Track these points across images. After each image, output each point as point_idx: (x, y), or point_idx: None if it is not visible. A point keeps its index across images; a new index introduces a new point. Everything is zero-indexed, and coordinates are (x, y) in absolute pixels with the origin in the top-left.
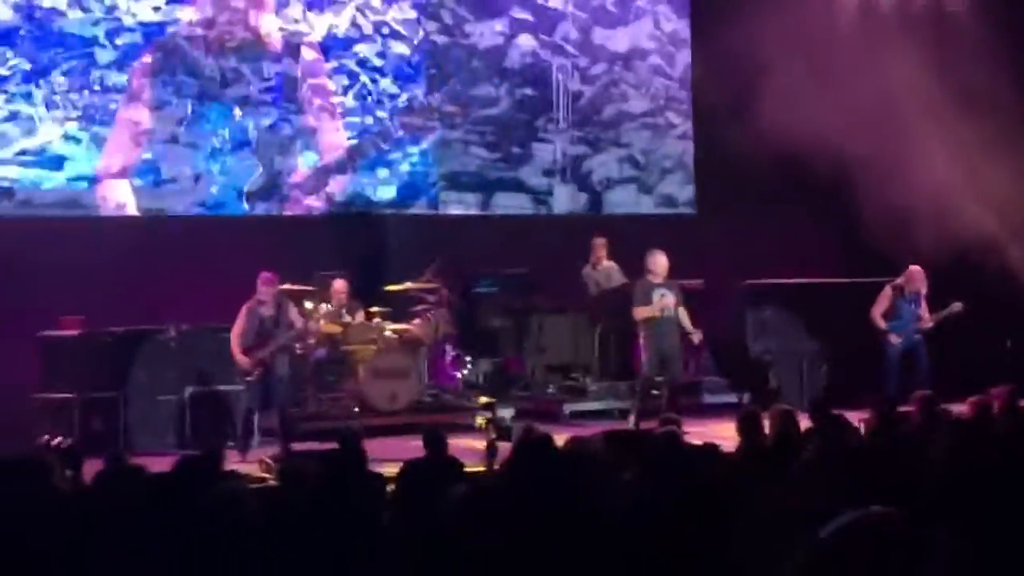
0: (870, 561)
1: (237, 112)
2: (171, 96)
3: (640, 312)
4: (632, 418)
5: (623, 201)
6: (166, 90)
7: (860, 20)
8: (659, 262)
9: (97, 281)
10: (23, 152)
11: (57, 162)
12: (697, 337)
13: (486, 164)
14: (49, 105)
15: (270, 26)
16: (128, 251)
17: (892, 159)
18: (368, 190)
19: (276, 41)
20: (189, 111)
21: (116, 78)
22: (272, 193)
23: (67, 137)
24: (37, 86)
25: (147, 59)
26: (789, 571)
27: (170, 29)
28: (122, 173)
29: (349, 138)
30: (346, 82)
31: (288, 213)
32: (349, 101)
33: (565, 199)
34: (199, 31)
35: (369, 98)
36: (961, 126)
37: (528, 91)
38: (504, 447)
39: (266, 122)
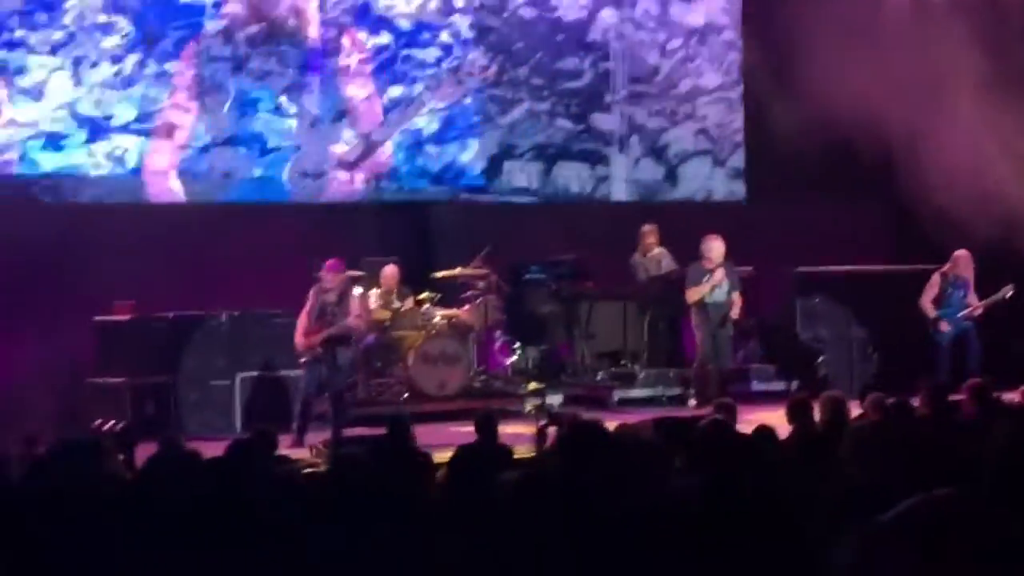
0: (931, 542)
1: (283, 98)
2: (215, 79)
3: (693, 294)
4: (692, 402)
5: (697, 174)
6: (210, 74)
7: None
8: (714, 247)
9: (149, 267)
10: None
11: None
12: (733, 315)
13: (570, 135)
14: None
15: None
16: (178, 237)
17: (942, 142)
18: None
19: (315, 19)
20: (232, 94)
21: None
22: (318, 175)
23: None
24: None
25: (191, 45)
26: (847, 555)
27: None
28: (169, 160)
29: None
30: (437, 54)
31: (332, 199)
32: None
33: (642, 171)
34: (239, 9)
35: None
36: (1012, 107)
37: (609, 64)
38: (552, 433)
39: (310, 103)
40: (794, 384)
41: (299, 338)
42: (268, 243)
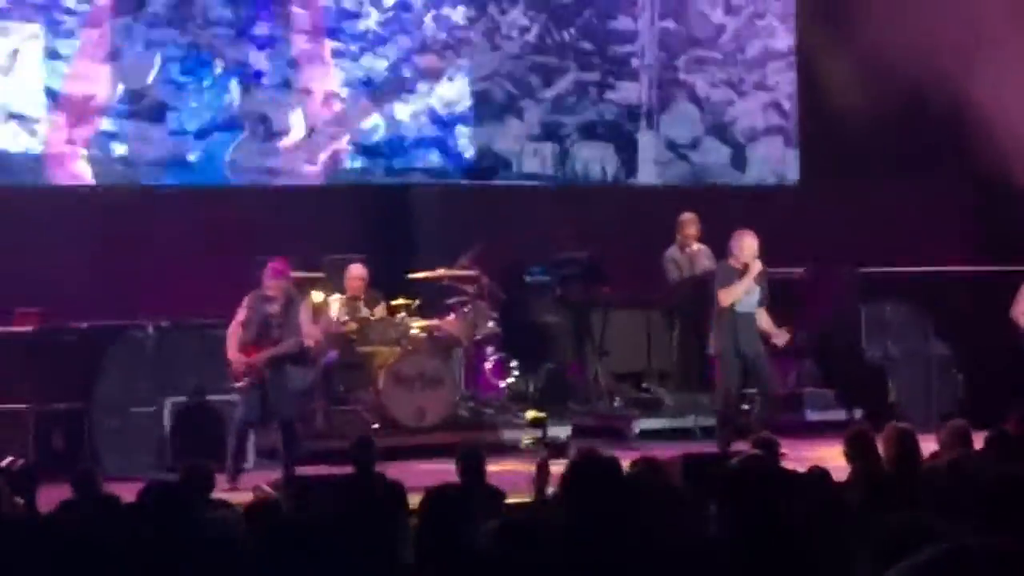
0: None
1: (218, 64)
2: (136, 46)
3: (726, 295)
4: (719, 439)
5: (769, 156)
6: (130, 39)
7: None
8: (746, 244)
9: (57, 266)
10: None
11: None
12: (782, 340)
13: (622, 112)
14: None
15: None
16: (92, 230)
17: None
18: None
19: None
20: (159, 64)
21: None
22: (265, 157)
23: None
24: None
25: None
26: None
27: None
28: (80, 136)
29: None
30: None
31: (285, 183)
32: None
33: (708, 154)
34: None
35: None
36: None
37: (670, 24)
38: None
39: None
40: (857, 413)
41: (234, 356)
42: (203, 238)
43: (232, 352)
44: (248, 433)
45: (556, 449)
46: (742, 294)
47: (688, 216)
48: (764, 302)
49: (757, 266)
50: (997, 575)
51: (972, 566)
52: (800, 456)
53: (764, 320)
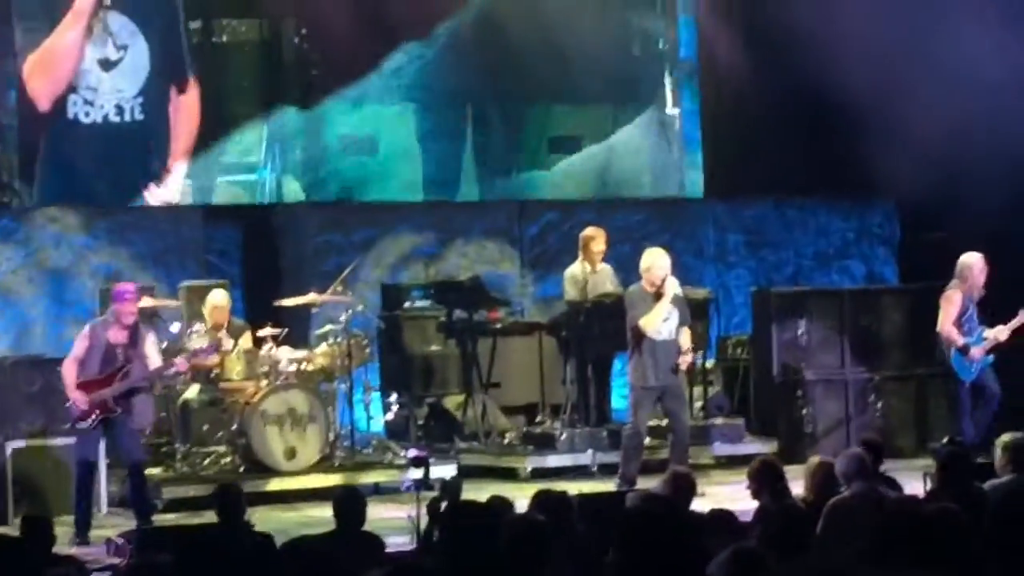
0: None
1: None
2: None
3: (648, 322)
4: (621, 476)
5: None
6: None
7: None
8: (659, 264)
9: None
10: None
11: None
12: (684, 361)
13: None
14: None
15: None
16: None
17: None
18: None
19: None
20: None
21: None
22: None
23: None
24: None
25: None
26: None
27: None
28: None
29: None
30: None
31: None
32: None
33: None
34: None
35: None
36: None
37: None
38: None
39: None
40: (770, 444)
41: (76, 394)
42: (42, 263)
43: (72, 390)
44: (92, 477)
45: (446, 491)
46: (661, 321)
47: (593, 231)
48: (685, 321)
49: (672, 287)
50: None
51: None
52: (710, 492)
53: (684, 340)
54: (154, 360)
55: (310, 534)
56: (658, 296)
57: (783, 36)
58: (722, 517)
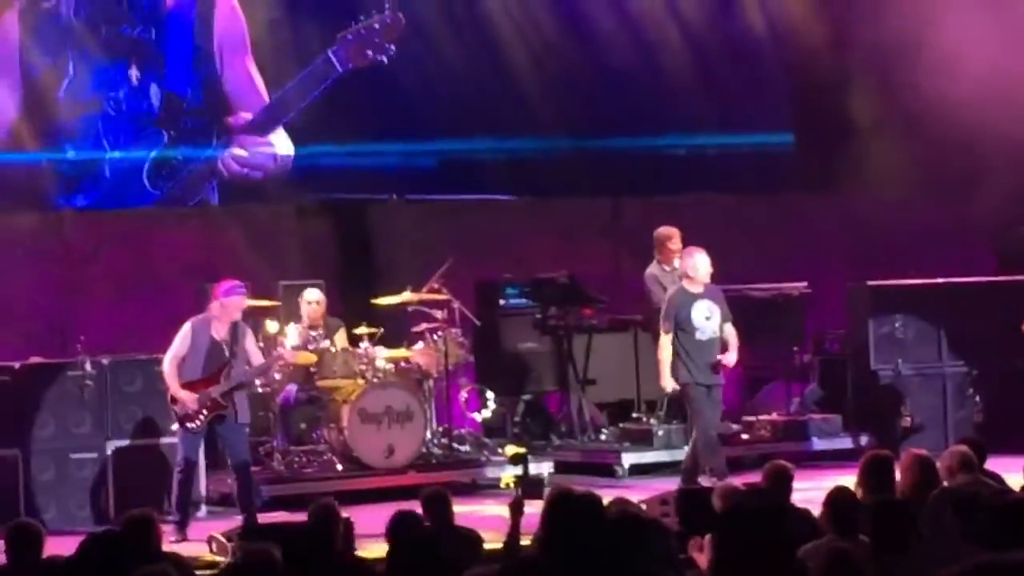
0: None
1: (134, 71)
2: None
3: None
4: (710, 472)
5: None
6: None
7: None
8: (700, 265)
9: None
10: None
11: None
12: (728, 360)
13: None
14: None
15: None
16: (19, 258)
17: None
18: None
19: None
20: (70, 70)
21: None
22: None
23: None
24: None
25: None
26: None
27: None
28: None
29: None
30: None
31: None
32: None
33: None
34: None
35: None
36: None
37: None
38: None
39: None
40: (865, 439)
41: (183, 394)
42: (140, 263)
43: (178, 390)
44: (194, 476)
45: (531, 488)
46: (703, 319)
47: (666, 230)
48: (728, 318)
49: (715, 317)
50: None
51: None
52: (805, 487)
53: (732, 337)
54: (256, 357)
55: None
56: (695, 300)
57: None
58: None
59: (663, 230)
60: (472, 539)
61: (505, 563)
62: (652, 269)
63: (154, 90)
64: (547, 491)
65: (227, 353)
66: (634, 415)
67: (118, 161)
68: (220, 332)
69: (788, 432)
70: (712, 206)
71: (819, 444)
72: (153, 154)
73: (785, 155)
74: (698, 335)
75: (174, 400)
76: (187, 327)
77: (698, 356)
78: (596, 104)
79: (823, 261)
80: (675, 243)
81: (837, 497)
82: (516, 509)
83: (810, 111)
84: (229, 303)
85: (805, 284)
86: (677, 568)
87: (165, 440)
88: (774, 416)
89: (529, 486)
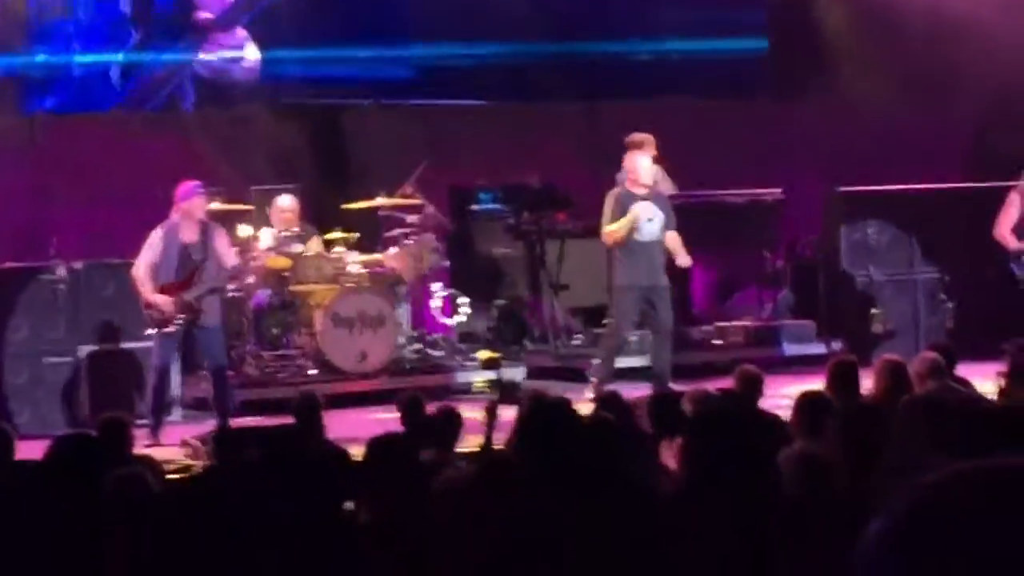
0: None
1: None
2: None
3: (610, 233)
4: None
5: None
6: None
7: None
8: (642, 165)
9: None
10: None
11: None
12: (685, 261)
13: None
14: None
15: None
16: None
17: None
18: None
19: None
20: None
21: None
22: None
23: None
24: None
25: None
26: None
27: None
28: None
29: None
30: None
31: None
32: None
33: None
34: None
35: None
36: None
37: None
38: (508, 417)
39: None
40: (837, 344)
41: (158, 298)
42: (111, 167)
43: (150, 294)
44: (168, 380)
45: (506, 391)
46: (624, 230)
47: (641, 136)
48: (671, 226)
49: (656, 218)
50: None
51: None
52: (778, 393)
53: (676, 244)
54: (229, 258)
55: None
56: (635, 200)
57: None
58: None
59: (635, 136)
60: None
61: (479, 465)
62: (621, 175)
63: None
64: (521, 395)
65: (198, 255)
66: (606, 320)
67: (87, 63)
68: (189, 235)
69: (760, 337)
70: (687, 111)
71: (791, 350)
72: (121, 56)
73: (760, 60)
74: (637, 235)
75: (148, 305)
76: (156, 233)
77: (639, 257)
78: (574, 7)
79: (798, 167)
80: (645, 149)
81: (807, 401)
82: (491, 413)
83: (786, 16)
84: (188, 205)
85: (780, 191)
86: (652, 471)
87: (138, 344)
88: (747, 321)
89: (504, 390)
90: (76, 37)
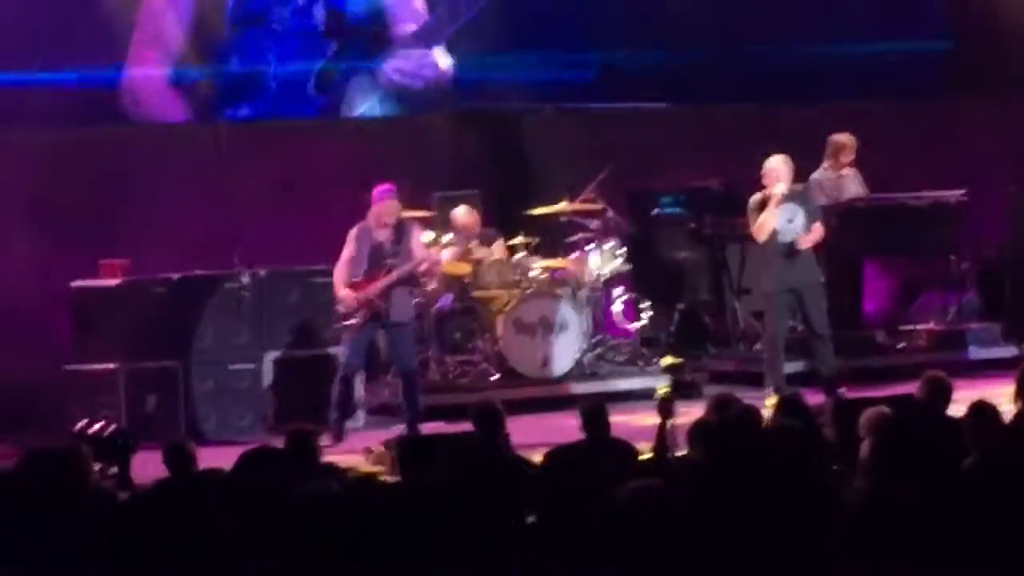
0: None
1: None
2: None
3: (759, 227)
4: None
5: None
6: None
7: None
8: (780, 171)
9: (143, 213)
10: None
11: None
12: (801, 241)
13: None
14: None
15: None
16: (178, 168)
17: None
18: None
19: None
20: None
21: None
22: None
23: None
24: None
25: None
26: None
27: None
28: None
29: None
30: None
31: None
32: None
33: None
34: None
35: None
36: None
37: None
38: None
39: None
40: None
41: (343, 292)
42: (301, 177)
43: (340, 288)
44: (354, 382)
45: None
46: (771, 227)
47: (844, 137)
48: (816, 219)
49: (779, 191)
50: None
51: None
52: (964, 397)
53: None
54: (420, 253)
55: (564, 444)
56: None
57: None
58: (984, 409)
59: (840, 137)
60: (626, 451)
61: (669, 476)
62: (817, 175)
63: (317, 7)
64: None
65: (391, 255)
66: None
67: (283, 73)
68: (381, 235)
69: (945, 342)
70: (866, 113)
71: (977, 353)
72: (317, 66)
73: (941, 59)
74: (779, 237)
75: (337, 300)
76: (354, 231)
77: (783, 258)
78: (752, 8)
79: (981, 168)
80: (847, 155)
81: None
82: (666, 413)
83: (968, 14)
84: (379, 208)
85: (963, 192)
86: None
87: (321, 351)
88: (931, 325)
89: (684, 389)
90: (272, 48)
